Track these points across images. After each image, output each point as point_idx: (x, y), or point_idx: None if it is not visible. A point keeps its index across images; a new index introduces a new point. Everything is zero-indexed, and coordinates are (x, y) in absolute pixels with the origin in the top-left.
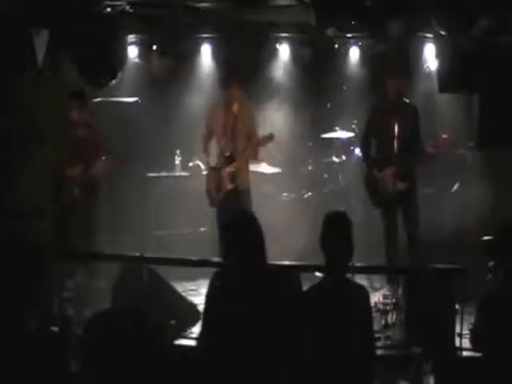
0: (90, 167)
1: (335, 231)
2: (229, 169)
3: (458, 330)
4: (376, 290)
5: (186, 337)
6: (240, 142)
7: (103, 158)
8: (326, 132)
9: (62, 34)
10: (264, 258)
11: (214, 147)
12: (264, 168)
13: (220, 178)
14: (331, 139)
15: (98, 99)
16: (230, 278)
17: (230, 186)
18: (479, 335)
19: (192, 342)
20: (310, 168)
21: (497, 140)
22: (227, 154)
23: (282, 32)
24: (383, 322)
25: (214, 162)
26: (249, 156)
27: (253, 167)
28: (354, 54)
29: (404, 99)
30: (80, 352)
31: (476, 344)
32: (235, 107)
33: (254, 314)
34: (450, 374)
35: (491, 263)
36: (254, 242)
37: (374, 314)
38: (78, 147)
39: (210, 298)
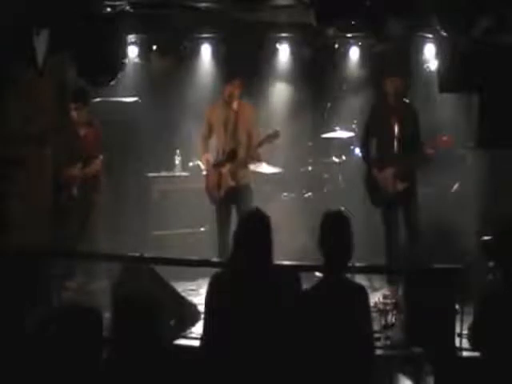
0: (88, 166)
1: (333, 231)
2: (230, 166)
3: (458, 329)
4: (376, 290)
5: (185, 337)
6: (241, 138)
7: (101, 156)
8: (326, 132)
9: (62, 34)
10: (271, 258)
11: (213, 145)
12: (264, 168)
13: (221, 175)
14: (331, 139)
15: (98, 99)
16: (233, 278)
17: (231, 184)
18: (477, 335)
19: (192, 342)
20: (309, 168)
21: (497, 140)
22: (228, 151)
23: (282, 32)
24: (383, 321)
25: (213, 159)
26: (251, 158)
27: (253, 167)
28: (354, 54)
29: (404, 99)
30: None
31: (474, 343)
32: (235, 104)
33: (259, 315)
34: (450, 374)
35: (491, 263)
36: (265, 241)
37: (374, 314)
38: (78, 147)
39: (210, 299)
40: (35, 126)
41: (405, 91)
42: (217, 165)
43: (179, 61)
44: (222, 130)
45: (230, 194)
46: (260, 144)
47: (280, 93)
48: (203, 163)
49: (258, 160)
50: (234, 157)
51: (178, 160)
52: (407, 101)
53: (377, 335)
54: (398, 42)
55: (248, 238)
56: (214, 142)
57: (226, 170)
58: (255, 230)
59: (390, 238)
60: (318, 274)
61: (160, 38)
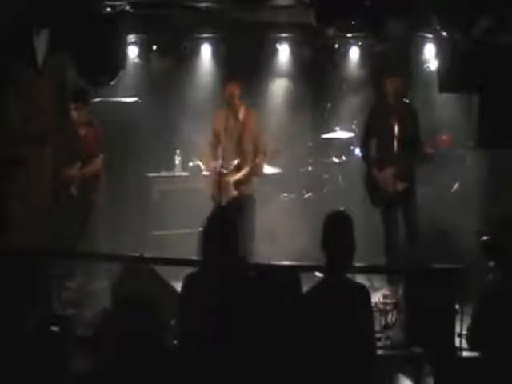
0: (87, 166)
1: (336, 231)
2: (236, 176)
3: (458, 329)
4: (376, 290)
5: None
6: (246, 148)
7: (101, 156)
8: (326, 132)
9: (62, 34)
10: (239, 257)
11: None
12: (264, 168)
13: (226, 184)
14: (331, 139)
15: (98, 99)
16: (205, 278)
17: (234, 193)
18: (477, 335)
19: None
20: (309, 168)
21: (497, 140)
22: (235, 163)
23: (282, 32)
24: (383, 321)
25: (218, 166)
26: (256, 168)
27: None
28: (354, 54)
29: (404, 99)
30: (81, 352)
31: (473, 343)
32: (241, 113)
33: (233, 314)
34: (450, 374)
35: (491, 263)
36: (228, 242)
37: (374, 314)
38: (78, 147)
39: (187, 300)
40: (35, 126)
41: (405, 91)
42: (222, 174)
43: (179, 61)
44: (227, 139)
45: (233, 204)
46: (261, 159)
47: (280, 93)
48: (210, 170)
49: (260, 171)
50: (239, 168)
51: (178, 160)
52: (407, 101)
53: (377, 335)
54: (397, 42)
55: (215, 237)
56: (219, 149)
57: (231, 179)
58: (221, 230)
59: (389, 237)
60: (318, 274)
61: (160, 38)
